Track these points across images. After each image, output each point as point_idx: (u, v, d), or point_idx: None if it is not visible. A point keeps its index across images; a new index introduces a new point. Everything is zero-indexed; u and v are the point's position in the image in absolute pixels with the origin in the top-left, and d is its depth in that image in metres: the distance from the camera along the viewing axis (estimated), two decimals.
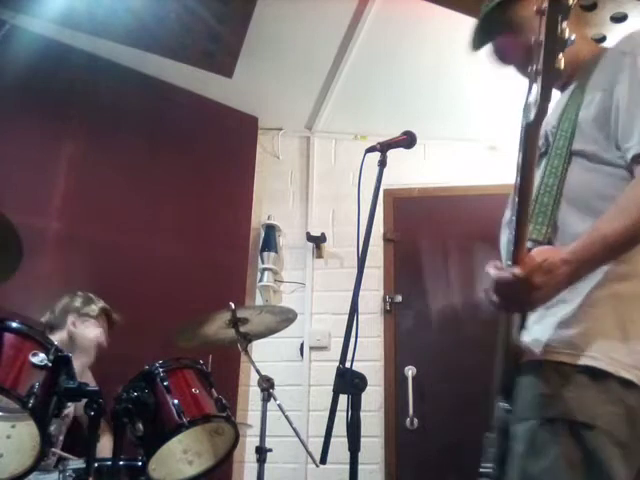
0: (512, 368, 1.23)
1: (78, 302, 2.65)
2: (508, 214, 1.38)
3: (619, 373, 1.13)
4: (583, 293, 1.18)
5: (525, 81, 1.04)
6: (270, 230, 3.85)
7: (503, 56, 1.55)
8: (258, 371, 2.49)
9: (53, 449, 2.05)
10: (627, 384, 1.12)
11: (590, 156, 1.29)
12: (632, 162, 1.22)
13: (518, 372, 1.22)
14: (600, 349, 1.15)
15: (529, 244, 1.15)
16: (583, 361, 1.14)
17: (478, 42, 1.59)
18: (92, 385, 2.67)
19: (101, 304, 2.70)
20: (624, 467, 1.10)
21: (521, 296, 1.10)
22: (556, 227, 1.26)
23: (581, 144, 1.30)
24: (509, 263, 1.10)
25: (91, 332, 2.62)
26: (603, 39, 3.00)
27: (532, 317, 1.22)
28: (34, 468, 1.63)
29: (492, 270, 1.12)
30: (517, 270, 1.07)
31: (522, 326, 1.21)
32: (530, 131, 1.00)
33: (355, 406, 1.50)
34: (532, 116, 0.97)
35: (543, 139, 1.37)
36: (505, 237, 1.34)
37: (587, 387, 1.13)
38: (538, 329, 1.20)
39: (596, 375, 1.13)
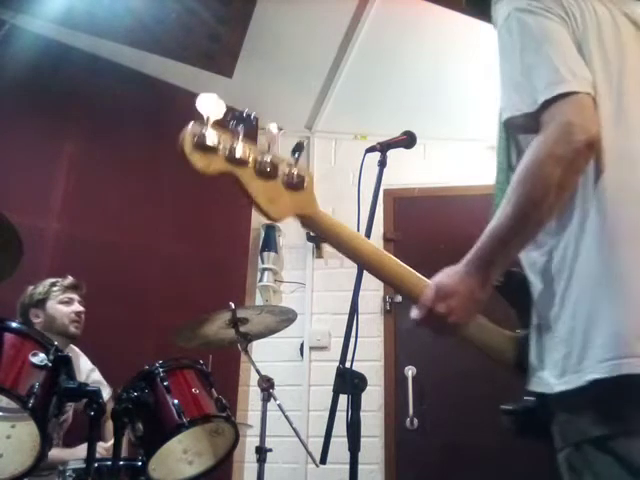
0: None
1: (36, 295, 2.62)
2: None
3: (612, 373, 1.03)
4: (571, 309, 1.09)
5: None
6: (270, 230, 3.85)
7: None
8: (258, 371, 2.49)
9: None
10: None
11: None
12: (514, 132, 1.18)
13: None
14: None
15: (441, 275, 1.17)
16: (574, 384, 1.07)
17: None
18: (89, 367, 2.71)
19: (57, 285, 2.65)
20: None
21: (439, 328, 1.16)
22: None
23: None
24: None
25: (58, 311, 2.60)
26: None
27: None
28: (34, 468, 1.63)
29: (412, 315, 1.18)
30: (414, 313, 1.16)
31: (525, 324, 1.19)
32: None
33: (355, 406, 1.50)
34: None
35: None
36: None
37: (590, 403, 1.06)
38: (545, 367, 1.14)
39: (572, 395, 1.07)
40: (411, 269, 1.24)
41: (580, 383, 1.04)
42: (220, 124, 1.19)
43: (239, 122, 1.21)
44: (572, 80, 1.08)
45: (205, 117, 1.18)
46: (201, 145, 1.16)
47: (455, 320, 1.13)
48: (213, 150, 1.17)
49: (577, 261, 1.07)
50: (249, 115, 1.23)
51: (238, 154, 1.19)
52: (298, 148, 1.24)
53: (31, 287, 2.63)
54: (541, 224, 1.08)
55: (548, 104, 1.07)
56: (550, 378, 1.10)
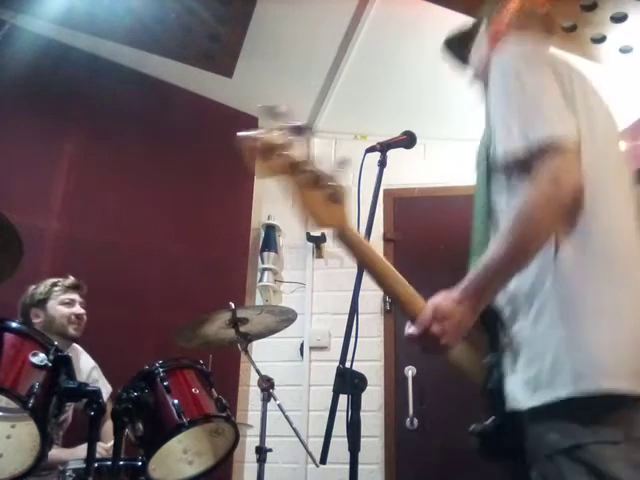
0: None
1: (38, 295, 2.62)
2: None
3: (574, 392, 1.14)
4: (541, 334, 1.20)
5: None
6: (270, 230, 3.85)
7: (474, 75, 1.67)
8: (258, 371, 2.49)
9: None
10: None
11: (501, 181, 1.34)
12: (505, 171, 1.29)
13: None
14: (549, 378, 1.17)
15: (438, 299, 1.24)
16: (549, 397, 1.16)
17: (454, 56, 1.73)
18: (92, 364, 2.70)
19: (59, 285, 2.65)
20: (627, 465, 1.12)
21: (431, 346, 1.24)
22: None
23: (493, 165, 1.37)
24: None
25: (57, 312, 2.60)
26: (603, 39, 3.00)
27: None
28: (34, 468, 1.63)
29: (408, 332, 1.25)
30: (411, 330, 1.23)
31: (493, 348, 1.32)
32: None
33: (355, 406, 1.50)
34: None
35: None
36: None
37: (560, 414, 1.15)
38: (517, 385, 1.24)
39: (570, 401, 1.13)
40: (414, 291, 1.30)
41: (551, 399, 1.14)
42: (280, 132, 1.38)
43: (296, 132, 1.37)
44: (562, 127, 1.21)
45: (267, 123, 1.38)
46: (261, 150, 1.34)
47: (446, 342, 1.23)
48: (272, 155, 1.33)
49: (548, 289, 1.20)
50: (306, 126, 1.41)
51: (295, 162, 1.32)
52: (344, 163, 1.33)
53: (32, 287, 2.63)
54: (529, 261, 1.20)
55: (539, 148, 1.18)
56: (521, 395, 1.20)
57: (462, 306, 1.21)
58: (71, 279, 2.68)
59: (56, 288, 2.62)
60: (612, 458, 1.11)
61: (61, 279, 2.67)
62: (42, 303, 2.59)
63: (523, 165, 1.20)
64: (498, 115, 1.30)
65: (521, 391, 1.21)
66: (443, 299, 1.23)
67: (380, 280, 1.30)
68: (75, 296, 2.66)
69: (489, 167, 1.38)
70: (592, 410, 1.12)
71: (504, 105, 1.29)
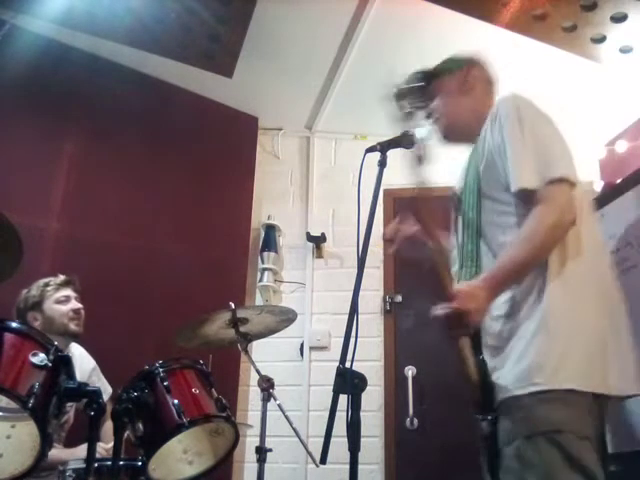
0: (481, 386, 1.53)
1: (32, 297, 2.61)
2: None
3: (562, 386, 1.44)
4: (527, 337, 1.50)
5: None
6: (270, 230, 3.85)
7: (428, 117, 1.95)
8: (258, 371, 2.49)
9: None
10: (570, 392, 1.43)
11: (492, 200, 1.65)
12: (518, 197, 1.57)
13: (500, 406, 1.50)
14: (537, 375, 1.46)
15: (464, 285, 1.54)
16: (538, 388, 1.44)
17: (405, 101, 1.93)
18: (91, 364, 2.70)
19: (53, 284, 2.64)
20: (594, 455, 1.41)
21: (463, 320, 1.46)
22: (480, 266, 1.64)
23: (484, 191, 1.67)
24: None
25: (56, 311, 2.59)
26: (603, 39, 3.00)
27: (491, 362, 1.56)
28: (34, 468, 1.63)
29: (440, 310, 1.47)
30: (454, 304, 1.46)
31: (477, 352, 1.56)
32: None
33: (355, 406, 1.50)
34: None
35: (455, 200, 1.83)
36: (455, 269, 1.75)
37: (546, 403, 1.44)
38: (504, 374, 1.52)
39: (551, 393, 1.44)
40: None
41: (535, 389, 1.43)
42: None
43: None
44: (569, 169, 1.54)
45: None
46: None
47: (472, 320, 1.47)
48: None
49: (539, 302, 1.52)
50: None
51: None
52: None
53: (25, 290, 2.61)
54: (535, 268, 1.52)
55: (552, 184, 1.51)
56: (511, 385, 1.47)
57: (484, 292, 1.48)
58: (62, 276, 2.67)
59: (49, 288, 2.61)
60: (583, 448, 1.39)
61: (52, 278, 2.65)
62: (38, 305, 2.58)
63: (530, 195, 1.52)
64: (515, 153, 1.57)
65: (511, 382, 1.48)
66: (468, 285, 1.51)
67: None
68: (69, 292, 2.65)
69: (479, 188, 1.68)
70: (566, 402, 1.43)
71: (520, 146, 1.57)
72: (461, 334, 1.51)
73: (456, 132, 1.93)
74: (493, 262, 1.60)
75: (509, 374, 1.50)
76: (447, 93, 1.91)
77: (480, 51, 2.02)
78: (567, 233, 1.52)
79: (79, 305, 2.64)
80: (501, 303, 1.56)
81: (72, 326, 2.58)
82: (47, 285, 2.62)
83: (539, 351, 1.47)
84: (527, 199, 1.54)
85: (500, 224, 1.62)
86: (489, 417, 1.51)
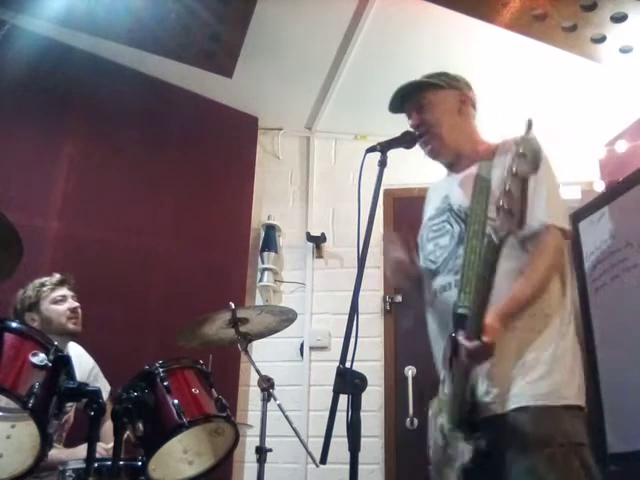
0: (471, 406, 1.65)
1: (29, 297, 2.60)
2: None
3: (577, 402, 1.66)
4: (547, 359, 1.67)
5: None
6: (270, 230, 3.85)
7: (414, 127, 1.96)
8: (258, 371, 2.49)
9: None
10: (579, 408, 1.66)
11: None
12: (528, 238, 1.70)
13: (501, 419, 1.64)
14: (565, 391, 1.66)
15: (461, 310, 1.64)
16: (558, 402, 1.63)
17: (395, 108, 2.00)
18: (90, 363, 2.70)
19: (49, 283, 2.63)
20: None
21: (489, 353, 1.55)
22: (481, 294, 1.64)
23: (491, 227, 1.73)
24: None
25: (54, 312, 2.59)
26: (603, 39, 3.00)
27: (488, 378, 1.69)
28: (34, 468, 1.63)
29: (466, 343, 1.54)
30: (486, 338, 1.52)
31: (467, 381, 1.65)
32: (500, 244, 1.45)
33: (355, 406, 1.50)
34: (503, 233, 1.42)
35: (447, 213, 1.90)
36: (442, 304, 1.81)
37: (564, 418, 1.62)
38: (518, 386, 1.65)
39: (568, 409, 1.63)
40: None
41: (565, 403, 1.63)
42: None
43: None
44: (567, 220, 1.78)
45: None
46: None
47: (493, 353, 1.56)
48: None
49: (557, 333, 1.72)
50: None
51: None
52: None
53: (21, 292, 2.60)
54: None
55: (555, 230, 1.71)
56: (534, 397, 1.62)
57: (502, 325, 1.59)
58: (57, 276, 2.67)
59: (44, 288, 2.60)
60: (591, 458, 1.58)
61: (47, 278, 2.64)
62: (35, 306, 2.57)
63: (535, 235, 1.69)
64: (541, 192, 1.70)
65: (534, 394, 1.63)
66: (494, 321, 1.56)
67: None
68: (65, 291, 2.64)
69: (484, 233, 1.73)
70: (581, 416, 1.65)
71: (546, 188, 1.73)
72: (481, 363, 1.61)
73: (445, 150, 1.95)
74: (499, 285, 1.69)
75: (532, 386, 1.64)
76: (444, 109, 1.93)
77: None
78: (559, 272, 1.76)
79: (76, 304, 2.64)
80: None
81: (70, 325, 2.58)
82: (43, 285, 2.61)
83: (563, 371, 1.67)
84: (537, 236, 1.69)
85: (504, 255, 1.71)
86: (475, 435, 1.62)
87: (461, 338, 1.58)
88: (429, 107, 1.93)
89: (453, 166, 1.98)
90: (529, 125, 1.41)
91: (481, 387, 1.67)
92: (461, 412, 1.65)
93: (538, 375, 1.65)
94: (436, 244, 1.92)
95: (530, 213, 1.60)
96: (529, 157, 1.68)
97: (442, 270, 1.85)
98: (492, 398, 1.66)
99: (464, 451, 1.61)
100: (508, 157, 1.68)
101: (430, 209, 2.03)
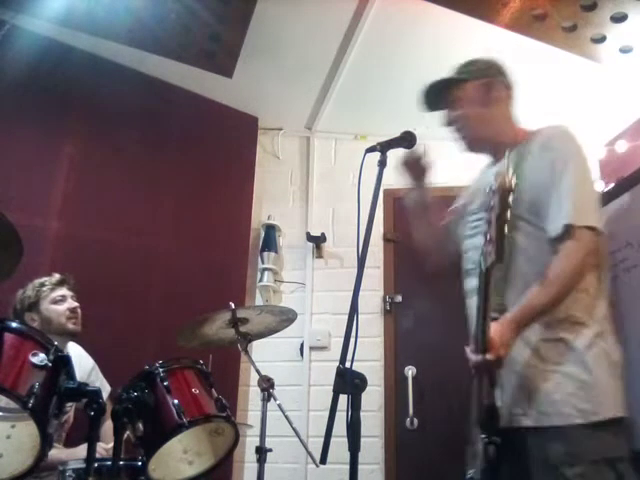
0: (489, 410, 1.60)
1: (28, 297, 2.60)
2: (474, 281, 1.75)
3: (616, 415, 1.58)
4: (576, 371, 1.60)
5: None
6: (270, 230, 3.85)
7: (447, 125, 1.98)
8: (258, 371, 2.49)
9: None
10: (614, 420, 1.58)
11: (526, 222, 1.70)
12: (553, 241, 1.64)
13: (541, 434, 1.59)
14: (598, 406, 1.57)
15: (497, 334, 1.55)
16: (589, 419, 1.55)
17: (430, 108, 2.01)
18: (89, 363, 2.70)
19: (49, 283, 2.63)
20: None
21: (495, 367, 1.55)
22: (503, 296, 1.67)
23: (519, 212, 1.67)
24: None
25: (53, 312, 2.59)
26: (603, 39, 3.00)
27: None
28: (34, 468, 1.63)
29: (472, 357, 1.55)
30: (490, 355, 1.51)
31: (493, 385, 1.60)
32: (488, 273, 1.45)
33: (355, 406, 1.50)
34: (489, 263, 1.40)
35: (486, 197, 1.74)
36: (472, 308, 1.70)
37: (596, 435, 1.54)
38: (546, 402, 1.60)
39: (601, 424, 1.55)
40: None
41: (603, 418, 1.55)
42: None
43: None
44: (598, 219, 1.65)
45: None
46: None
47: (501, 365, 1.55)
48: None
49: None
50: None
51: None
52: None
53: (20, 291, 2.60)
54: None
55: (583, 229, 1.62)
56: (572, 414, 1.56)
57: (514, 335, 1.57)
58: (57, 275, 2.67)
59: (44, 288, 2.60)
60: (629, 470, 1.53)
61: (47, 278, 2.65)
62: (34, 306, 2.57)
63: (565, 233, 1.61)
64: (563, 189, 1.65)
65: (572, 413, 1.57)
66: (502, 328, 1.55)
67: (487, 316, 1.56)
68: (65, 291, 2.65)
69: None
70: (622, 430, 1.57)
71: (570, 184, 1.65)
72: (488, 374, 1.59)
73: (482, 143, 1.92)
74: (514, 289, 1.67)
75: (562, 402, 1.58)
76: (471, 102, 1.90)
77: (498, 56, 2.02)
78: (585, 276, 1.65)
79: (75, 304, 2.64)
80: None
81: (70, 325, 2.58)
82: (42, 285, 2.61)
83: (597, 383, 1.59)
84: (563, 236, 1.62)
85: (528, 250, 1.69)
86: (494, 439, 1.57)
87: (468, 350, 1.58)
88: (456, 103, 1.91)
89: (495, 156, 1.92)
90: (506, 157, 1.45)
91: (503, 395, 1.64)
92: (481, 415, 1.61)
93: (568, 390, 1.58)
94: (472, 243, 1.87)
95: (548, 218, 1.65)
96: (548, 153, 1.69)
97: (472, 273, 1.81)
98: (514, 409, 1.63)
99: (481, 452, 1.59)
100: (535, 150, 1.73)
101: (475, 199, 1.94)
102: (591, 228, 1.63)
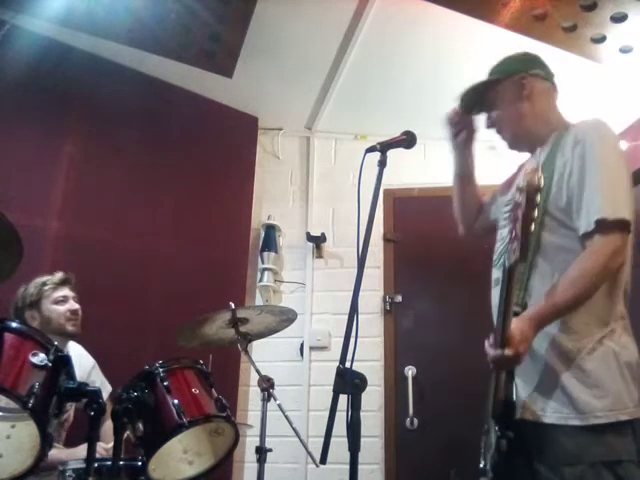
0: (506, 403, 1.60)
1: (29, 296, 2.60)
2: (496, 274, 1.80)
3: (619, 419, 1.54)
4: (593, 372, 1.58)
5: None
6: (270, 230, 3.85)
7: (488, 128, 1.99)
8: (258, 371, 2.49)
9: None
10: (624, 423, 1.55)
11: (557, 221, 1.67)
12: (582, 238, 1.62)
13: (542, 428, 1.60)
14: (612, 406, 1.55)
15: (517, 331, 1.53)
16: (598, 421, 1.54)
17: (471, 111, 2.03)
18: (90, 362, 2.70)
19: (51, 283, 2.63)
20: None
21: (513, 363, 1.55)
22: (528, 289, 1.67)
23: (549, 209, 1.67)
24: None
25: (53, 312, 2.59)
26: (603, 39, 3.00)
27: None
28: (34, 468, 1.63)
29: (491, 351, 1.55)
30: (508, 350, 1.50)
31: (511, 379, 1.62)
32: (511, 270, 1.42)
33: (355, 406, 1.50)
34: (512, 260, 1.37)
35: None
36: (496, 298, 1.70)
37: (602, 436, 1.53)
38: (560, 401, 1.59)
39: (609, 426, 1.53)
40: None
41: (606, 421, 1.52)
42: None
43: None
44: (627, 208, 1.59)
45: None
46: None
47: (520, 362, 1.56)
48: None
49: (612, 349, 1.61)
50: None
51: None
52: None
53: (22, 289, 2.60)
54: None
55: (612, 224, 1.57)
56: (572, 414, 1.56)
57: (533, 332, 1.56)
58: (59, 275, 2.66)
59: (46, 287, 2.60)
60: (631, 476, 1.49)
61: (49, 276, 2.64)
62: (35, 304, 2.57)
63: (598, 227, 1.57)
64: (594, 186, 1.61)
65: (570, 414, 1.56)
66: (523, 324, 1.54)
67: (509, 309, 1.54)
68: (67, 292, 2.64)
69: (544, 204, 1.65)
70: (625, 432, 1.53)
71: (601, 176, 1.62)
72: (508, 369, 1.60)
73: (521, 141, 1.92)
74: (543, 285, 1.64)
75: (575, 402, 1.57)
76: (505, 102, 1.90)
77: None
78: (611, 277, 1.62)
79: (77, 306, 2.63)
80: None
81: (69, 327, 2.58)
82: (45, 284, 2.61)
83: (613, 384, 1.57)
84: (597, 230, 1.58)
85: (554, 247, 1.66)
86: (507, 434, 1.58)
87: (487, 344, 1.57)
88: (492, 105, 1.93)
89: (532, 151, 1.90)
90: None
91: (519, 389, 1.63)
92: (495, 406, 1.62)
93: (569, 390, 1.58)
94: (500, 234, 1.87)
95: (579, 215, 1.61)
96: (580, 148, 1.64)
97: (496, 263, 1.81)
98: (528, 403, 1.63)
99: (494, 444, 1.60)
100: (568, 145, 1.69)
101: (509, 190, 1.91)
102: (623, 223, 1.58)
